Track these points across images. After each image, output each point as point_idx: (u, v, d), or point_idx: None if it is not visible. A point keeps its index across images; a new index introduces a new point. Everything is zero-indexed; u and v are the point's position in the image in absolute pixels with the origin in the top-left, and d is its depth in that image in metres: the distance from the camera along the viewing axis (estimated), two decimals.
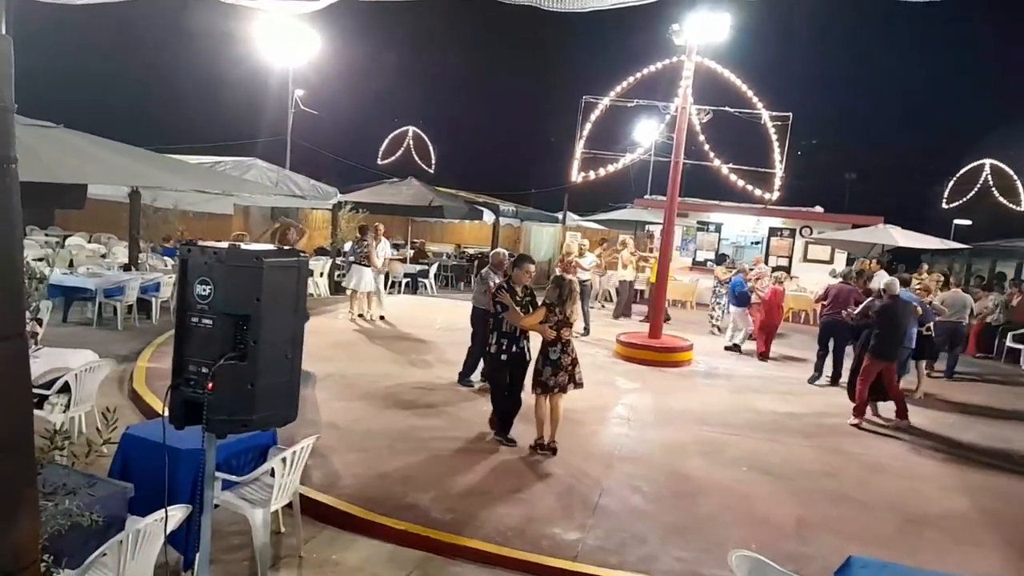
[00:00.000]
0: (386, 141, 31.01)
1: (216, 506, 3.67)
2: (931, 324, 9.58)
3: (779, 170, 11.25)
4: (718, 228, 19.67)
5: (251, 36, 17.68)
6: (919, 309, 8.67)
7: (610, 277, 16.01)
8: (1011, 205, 25.49)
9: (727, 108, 11.39)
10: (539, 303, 6.19)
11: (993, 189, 25.91)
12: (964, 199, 26.97)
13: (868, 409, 8.15)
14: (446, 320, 12.22)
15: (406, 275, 16.60)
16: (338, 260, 15.39)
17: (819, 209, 19.82)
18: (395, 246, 17.02)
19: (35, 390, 4.89)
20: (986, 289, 15.81)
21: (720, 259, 17.31)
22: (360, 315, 12.16)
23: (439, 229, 25.79)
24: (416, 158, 30.34)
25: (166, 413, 2.83)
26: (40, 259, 11.81)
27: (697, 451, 6.63)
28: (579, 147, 11.44)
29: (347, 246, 14.32)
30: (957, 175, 27.19)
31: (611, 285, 16.37)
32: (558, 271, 9.53)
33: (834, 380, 9.92)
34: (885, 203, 24.36)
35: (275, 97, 20.65)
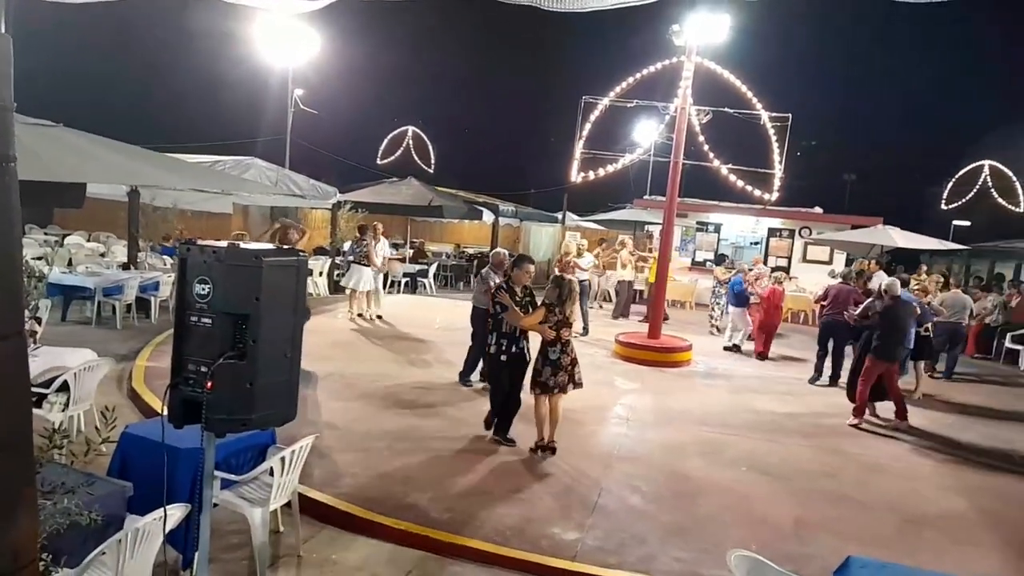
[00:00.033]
0: (385, 141, 31.03)
1: (215, 505, 3.67)
2: (929, 325, 9.59)
3: (778, 171, 11.26)
4: (717, 228, 19.68)
5: (251, 36, 17.68)
6: (918, 309, 8.68)
7: (609, 277, 16.01)
8: (1010, 206, 25.52)
9: (727, 109, 11.40)
10: (538, 303, 6.18)
11: (992, 190, 25.94)
12: (963, 200, 27.01)
13: (866, 410, 8.15)
14: (445, 320, 12.22)
15: (405, 275, 16.60)
16: (337, 260, 15.39)
17: (818, 210, 19.83)
18: (394, 245, 17.03)
19: (34, 389, 4.88)
20: (985, 290, 15.82)
21: (719, 259, 17.32)
22: (359, 314, 12.15)
23: (438, 229, 25.79)
24: (416, 158, 30.36)
25: (165, 412, 2.83)
26: (39, 258, 11.69)
27: (696, 451, 6.63)
28: (579, 147, 11.45)
29: (346, 245, 14.33)
30: (956, 176, 27.23)
31: (610, 285, 16.37)
32: (557, 271, 9.54)
33: (833, 380, 9.93)
34: (884, 204, 24.37)
35: (275, 97, 20.66)
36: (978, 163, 26.23)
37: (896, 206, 25.69)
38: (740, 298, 11.76)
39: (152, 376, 7.31)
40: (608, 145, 12.71)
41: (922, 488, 6.21)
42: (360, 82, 33.82)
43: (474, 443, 6.27)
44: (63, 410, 5.19)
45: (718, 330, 13.28)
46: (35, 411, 4.68)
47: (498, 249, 8.55)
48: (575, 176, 11.49)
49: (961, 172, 26.86)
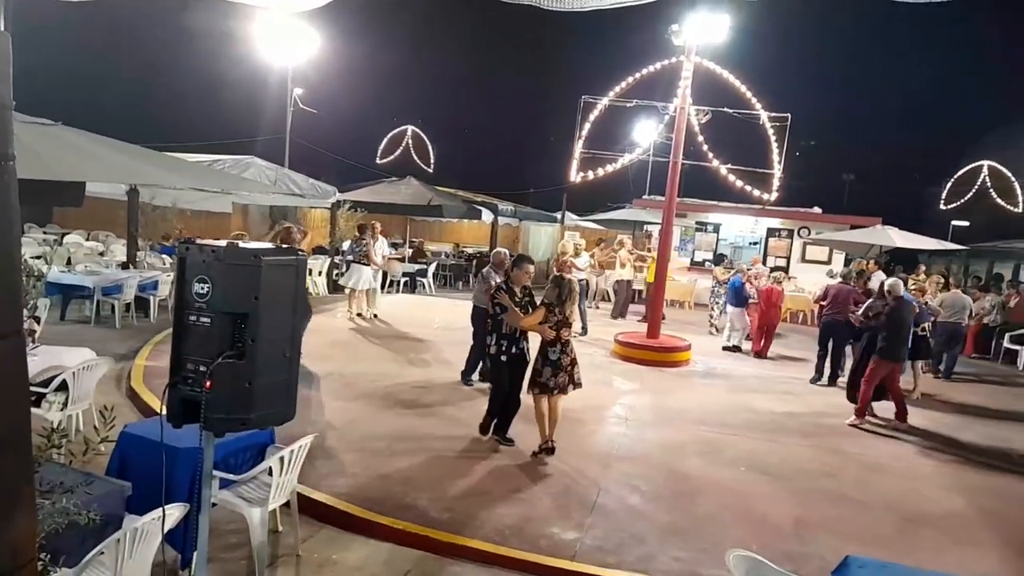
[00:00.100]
0: (385, 140, 31.01)
1: (214, 505, 3.67)
2: (926, 324, 9.60)
3: (777, 171, 11.26)
4: (716, 228, 19.69)
5: (250, 35, 17.66)
6: (916, 309, 8.70)
7: (608, 277, 16.02)
8: (1009, 207, 25.54)
9: (726, 109, 11.41)
10: (538, 303, 6.17)
11: (991, 191, 25.95)
12: (962, 200, 27.01)
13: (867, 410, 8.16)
14: (444, 319, 12.22)
15: (404, 274, 16.60)
16: (336, 259, 15.38)
17: (817, 210, 19.85)
18: (393, 245, 17.02)
19: (32, 388, 4.88)
20: (983, 290, 15.83)
21: (718, 259, 17.33)
22: (358, 314, 12.15)
23: (437, 228, 25.79)
24: (415, 157, 30.33)
25: (164, 411, 2.83)
26: (38, 257, 11.68)
27: (695, 451, 6.63)
28: (578, 147, 11.45)
29: (345, 245, 14.32)
30: (955, 176, 27.24)
31: (609, 285, 16.37)
32: (555, 270, 9.53)
33: (832, 380, 9.93)
34: (883, 204, 24.39)
35: (274, 96, 20.65)
36: (977, 163, 26.24)
37: (895, 206, 25.72)
38: (739, 297, 11.76)
39: (151, 375, 7.31)
40: (607, 145, 12.74)
41: (921, 488, 6.22)
42: (359, 81, 33.83)
43: (473, 443, 6.26)
44: (62, 409, 5.18)
45: (717, 330, 13.29)
46: (34, 410, 4.67)
47: (499, 249, 8.54)
48: (574, 176, 11.49)
49: (960, 172, 26.88)
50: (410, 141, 30.65)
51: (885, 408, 8.20)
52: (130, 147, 8.51)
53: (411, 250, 19.09)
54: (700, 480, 5.89)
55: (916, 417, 8.27)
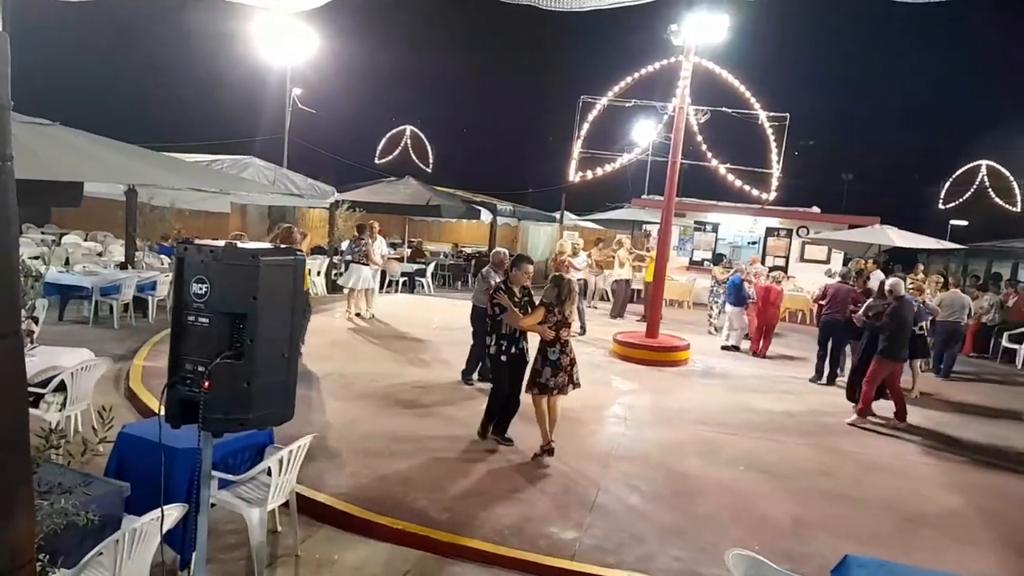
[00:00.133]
0: (383, 140, 31.03)
1: (213, 505, 3.66)
2: (923, 324, 9.61)
3: (776, 170, 11.26)
4: (715, 228, 19.70)
5: (249, 35, 17.66)
6: (915, 308, 8.71)
7: (607, 277, 16.03)
8: (1007, 206, 25.58)
9: (724, 108, 11.41)
10: (537, 303, 6.16)
11: (989, 190, 26.00)
12: (960, 200, 27.05)
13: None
14: (443, 319, 12.23)
15: (403, 274, 16.60)
16: (335, 259, 15.37)
17: (816, 209, 19.85)
18: (392, 245, 17.01)
19: (31, 389, 4.87)
20: (982, 289, 15.85)
21: (717, 259, 17.34)
22: (357, 314, 12.15)
23: (436, 228, 25.79)
24: (413, 157, 30.35)
25: (162, 412, 2.82)
26: (36, 257, 11.70)
27: (694, 450, 6.63)
28: (577, 147, 11.45)
29: (344, 245, 14.31)
30: (953, 176, 27.29)
31: (607, 284, 16.37)
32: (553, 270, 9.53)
33: (831, 379, 9.94)
34: (882, 203, 24.41)
35: (272, 96, 20.65)
36: (975, 163, 26.29)
37: (893, 205, 25.71)
38: (739, 296, 11.77)
39: (149, 376, 7.30)
40: (606, 145, 12.73)
41: (920, 487, 6.22)
42: (358, 81, 33.81)
43: (473, 443, 6.26)
44: (60, 410, 5.18)
45: (716, 329, 13.30)
46: (32, 411, 4.67)
47: (499, 248, 8.53)
48: (573, 175, 11.49)
49: (958, 172, 26.93)
50: (409, 141, 30.66)
51: (884, 407, 8.20)
52: (128, 147, 8.49)
53: (410, 250, 19.09)
54: (699, 479, 5.90)
55: (915, 416, 8.28)
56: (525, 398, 6.20)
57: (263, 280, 2.72)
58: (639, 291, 16.20)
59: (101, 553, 2.81)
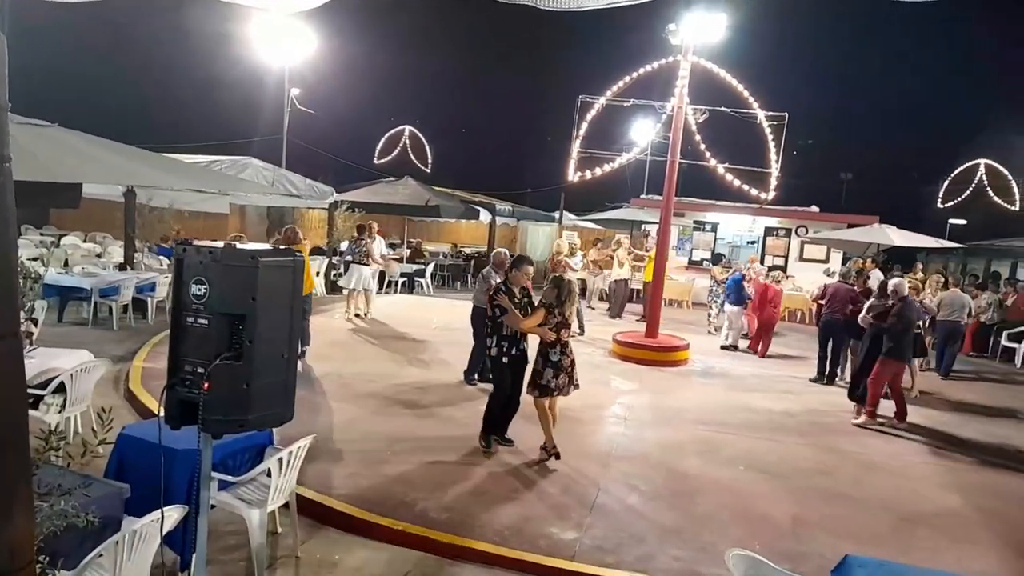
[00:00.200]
0: (382, 140, 31.06)
1: (213, 506, 3.66)
2: (921, 323, 9.62)
3: (775, 170, 11.26)
4: (714, 228, 19.70)
5: (247, 35, 17.67)
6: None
7: (606, 276, 16.03)
8: (1006, 205, 25.61)
9: (723, 108, 11.40)
10: (536, 303, 6.14)
11: (988, 189, 26.04)
12: (959, 199, 27.10)
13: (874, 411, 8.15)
14: (442, 319, 12.23)
15: (402, 275, 16.60)
16: (334, 260, 15.37)
17: (815, 209, 19.85)
18: (391, 245, 17.01)
19: (30, 390, 4.87)
20: (980, 288, 15.86)
21: (716, 259, 17.34)
22: (357, 314, 12.15)
23: (435, 228, 25.79)
24: (412, 157, 30.37)
25: (162, 413, 2.82)
26: (35, 259, 11.75)
27: (694, 450, 6.64)
28: (575, 146, 11.45)
29: (343, 245, 14.31)
30: (952, 175, 27.34)
31: (606, 284, 16.37)
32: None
33: (830, 379, 9.95)
34: (881, 203, 24.41)
35: (271, 96, 20.66)
36: (974, 162, 26.34)
37: (892, 205, 25.72)
38: (739, 295, 11.77)
39: (149, 377, 7.30)
40: (605, 144, 12.72)
41: (919, 486, 6.23)
42: (356, 81, 33.83)
43: (472, 443, 6.25)
44: (59, 412, 5.17)
45: (715, 329, 13.30)
46: (31, 413, 4.67)
47: (499, 249, 8.53)
48: (572, 175, 11.49)
49: (957, 171, 26.98)
50: (407, 141, 30.68)
51: (885, 407, 8.19)
52: (127, 148, 8.50)
53: (409, 250, 19.09)
54: (699, 479, 5.90)
55: (914, 415, 8.28)
56: (524, 398, 6.20)
57: (262, 281, 2.72)
58: (638, 291, 16.20)
59: (101, 555, 2.81)
